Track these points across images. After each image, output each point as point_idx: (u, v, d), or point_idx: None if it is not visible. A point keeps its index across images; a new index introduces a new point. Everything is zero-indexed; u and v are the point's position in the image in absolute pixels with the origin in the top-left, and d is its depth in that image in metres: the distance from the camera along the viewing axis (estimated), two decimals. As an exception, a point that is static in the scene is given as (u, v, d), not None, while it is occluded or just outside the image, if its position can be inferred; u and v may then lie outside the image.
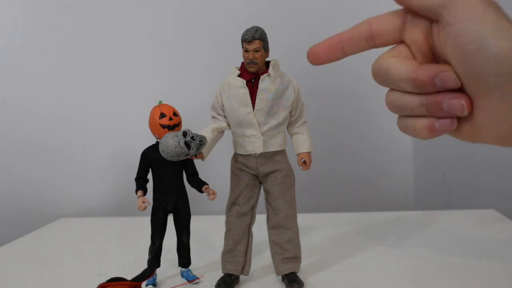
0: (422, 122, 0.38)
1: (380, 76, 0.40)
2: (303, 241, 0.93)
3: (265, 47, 0.83)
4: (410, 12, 0.39)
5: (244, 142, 0.85)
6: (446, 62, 0.37)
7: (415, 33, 0.39)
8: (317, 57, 0.42)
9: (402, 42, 0.40)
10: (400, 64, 0.38)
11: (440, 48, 0.37)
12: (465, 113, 0.35)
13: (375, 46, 0.42)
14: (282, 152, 0.87)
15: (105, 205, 1.49)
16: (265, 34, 0.83)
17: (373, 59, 0.43)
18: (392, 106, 0.40)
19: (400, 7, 0.40)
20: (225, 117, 0.86)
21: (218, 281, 0.86)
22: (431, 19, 0.37)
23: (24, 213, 1.46)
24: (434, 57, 0.39)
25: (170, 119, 0.85)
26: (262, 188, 0.89)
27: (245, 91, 0.83)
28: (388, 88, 0.41)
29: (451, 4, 0.34)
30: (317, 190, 1.47)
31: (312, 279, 0.89)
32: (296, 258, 0.87)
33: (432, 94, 0.36)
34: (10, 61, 1.44)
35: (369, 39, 0.41)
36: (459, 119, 0.37)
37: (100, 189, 1.48)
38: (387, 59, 0.40)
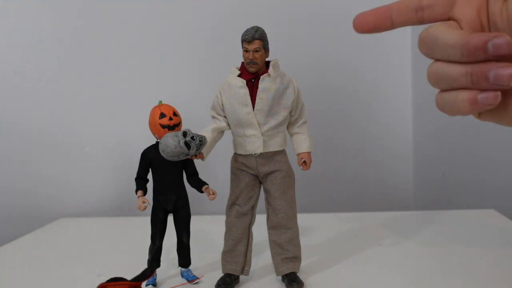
0: (464, 95, 0.36)
1: (428, 43, 0.39)
2: (303, 241, 0.93)
3: (265, 47, 0.83)
4: None
5: (244, 142, 0.85)
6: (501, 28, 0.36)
7: (467, 8, 0.38)
8: (364, 23, 0.40)
9: (450, 18, 0.40)
10: (451, 31, 0.37)
11: (502, 22, 0.36)
12: None
13: (423, 19, 0.41)
14: (282, 152, 0.87)
15: (105, 205, 1.49)
16: (265, 34, 0.83)
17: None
18: (434, 78, 0.39)
19: None
20: (225, 117, 0.86)
21: (218, 281, 0.86)
22: None
23: (24, 213, 1.46)
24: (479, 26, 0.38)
25: (170, 119, 0.85)
26: (262, 188, 0.89)
27: (245, 91, 0.83)
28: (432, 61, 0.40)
29: None
30: (317, 190, 1.47)
31: (312, 279, 0.89)
32: (296, 258, 0.87)
33: (479, 63, 0.35)
34: (10, 60, 1.44)
35: (418, 10, 0.40)
36: (504, 94, 0.35)
37: (100, 189, 1.48)
38: (437, 26, 0.39)
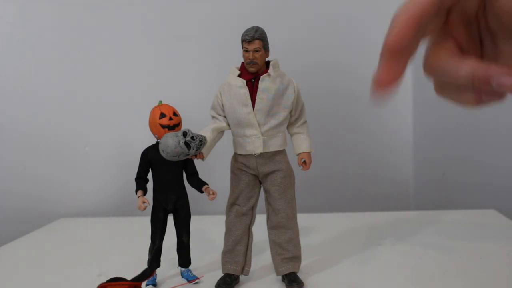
0: (468, 95, 0.36)
1: (434, 75, 0.38)
2: (303, 241, 0.93)
3: (265, 47, 0.83)
4: None
5: (244, 142, 0.85)
6: (490, 33, 0.36)
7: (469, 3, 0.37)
8: (384, 86, 0.37)
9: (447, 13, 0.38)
10: (455, 62, 0.36)
11: (500, 13, 0.35)
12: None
13: (429, 29, 0.38)
14: (282, 152, 0.87)
15: (105, 205, 1.49)
16: (265, 34, 0.83)
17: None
18: (432, 72, 0.38)
19: None
20: (225, 117, 0.86)
21: (218, 281, 0.86)
22: None
23: (24, 213, 1.46)
24: (478, 29, 0.38)
25: (170, 119, 0.85)
26: (262, 188, 0.89)
27: (245, 91, 0.83)
28: (427, 47, 0.39)
29: None
30: (317, 190, 1.47)
31: (312, 279, 0.89)
32: (296, 258, 0.87)
33: (482, 67, 0.34)
34: (10, 60, 1.44)
35: (421, 27, 0.36)
36: None
37: (100, 189, 1.48)
38: (438, 56, 0.38)
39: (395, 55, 0.35)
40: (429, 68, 0.38)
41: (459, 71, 0.36)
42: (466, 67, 0.36)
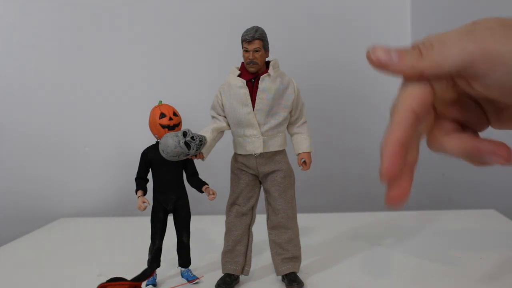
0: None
1: (439, 153, 0.42)
2: (303, 241, 0.93)
3: (265, 47, 0.83)
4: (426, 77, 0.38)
5: (244, 142, 0.85)
6: (484, 98, 0.38)
7: (445, 89, 0.39)
8: (390, 177, 0.38)
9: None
10: (450, 143, 0.40)
11: (476, 93, 0.37)
12: (506, 164, 0.37)
13: (423, 129, 0.41)
14: (282, 152, 0.87)
15: (105, 205, 1.49)
16: (265, 34, 0.83)
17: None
18: (434, 150, 0.42)
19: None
20: (225, 117, 0.86)
21: (218, 281, 0.86)
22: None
23: (24, 213, 1.46)
24: (462, 98, 0.40)
25: (170, 119, 0.85)
26: (262, 188, 0.89)
27: (245, 91, 0.83)
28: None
29: (475, 61, 0.34)
30: (317, 190, 1.47)
31: (312, 279, 0.89)
32: (296, 258, 0.87)
33: (474, 143, 0.38)
34: (10, 60, 1.44)
35: (417, 121, 0.38)
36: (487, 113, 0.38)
37: (100, 189, 1.48)
38: (435, 141, 0.41)
39: (393, 183, 0.38)
40: (432, 149, 0.42)
41: (455, 151, 0.39)
42: (460, 146, 0.39)
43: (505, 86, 0.35)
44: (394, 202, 0.38)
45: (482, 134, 0.42)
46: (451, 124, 0.41)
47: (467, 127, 0.42)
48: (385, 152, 0.37)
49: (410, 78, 0.37)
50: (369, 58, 0.37)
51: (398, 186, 0.38)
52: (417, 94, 0.38)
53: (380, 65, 0.37)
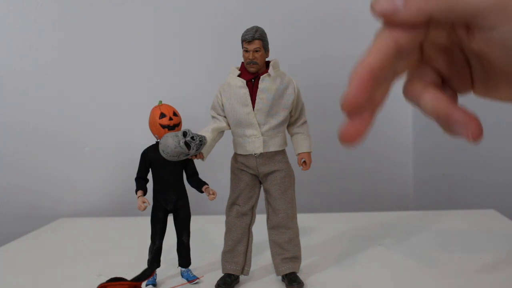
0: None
1: (411, 104, 0.39)
2: (303, 241, 0.93)
3: (265, 47, 0.83)
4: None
5: (244, 142, 0.85)
6: (476, 57, 0.36)
7: (439, 34, 0.37)
8: (351, 107, 0.36)
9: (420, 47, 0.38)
10: (423, 97, 0.37)
11: (473, 45, 0.35)
12: (472, 142, 0.35)
13: (400, 68, 0.38)
14: (282, 152, 0.87)
15: (105, 205, 1.49)
16: (265, 34, 0.83)
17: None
18: (407, 99, 0.39)
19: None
20: (225, 117, 0.86)
21: (218, 281, 0.86)
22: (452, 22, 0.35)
23: (24, 213, 1.46)
24: (453, 48, 0.37)
25: (170, 119, 0.85)
26: (262, 188, 0.89)
27: (245, 91, 0.83)
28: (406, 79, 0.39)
29: (487, 9, 0.32)
30: (317, 190, 1.47)
31: (312, 279, 0.89)
32: (296, 258, 0.87)
33: (449, 106, 0.35)
34: (10, 60, 1.44)
35: (397, 55, 0.36)
36: (492, 76, 0.36)
37: (100, 189, 1.48)
38: (413, 89, 0.38)
39: (353, 115, 0.36)
40: (406, 97, 0.39)
41: (426, 107, 0.36)
42: (431, 103, 0.36)
43: (508, 45, 0.33)
44: (348, 139, 0.36)
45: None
46: (433, 75, 0.38)
47: (448, 85, 0.39)
48: (353, 77, 0.35)
49: (418, 25, 0.35)
50: (372, 9, 0.35)
51: (356, 121, 0.36)
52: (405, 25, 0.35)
53: (386, 15, 0.35)
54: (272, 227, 0.88)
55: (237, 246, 0.87)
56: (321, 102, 1.44)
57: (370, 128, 0.37)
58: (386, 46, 0.35)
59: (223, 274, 0.87)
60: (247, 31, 0.82)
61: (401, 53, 0.36)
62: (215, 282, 0.86)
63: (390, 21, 0.35)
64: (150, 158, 0.87)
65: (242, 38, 0.82)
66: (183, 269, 0.91)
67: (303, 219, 0.97)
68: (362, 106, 0.35)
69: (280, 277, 0.88)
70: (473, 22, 0.34)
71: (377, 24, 0.38)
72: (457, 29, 0.36)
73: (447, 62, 0.38)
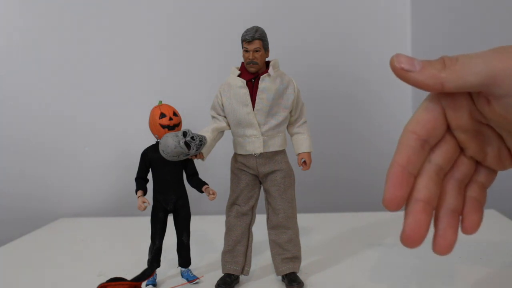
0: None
1: None
2: (303, 241, 0.93)
3: (265, 47, 0.83)
4: (443, 97, 0.38)
5: (244, 142, 0.85)
6: (506, 130, 0.37)
7: (459, 115, 0.38)
8: (394, 205, 0.38)
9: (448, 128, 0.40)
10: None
11: (495, 116, 0.36)
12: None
13: (430, 148, 0.41)
14: (282, 152, 0.87)
15: (105, 205, 1.49)
16: (265, 34, 0.83)
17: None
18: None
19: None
20: (225, 117, 0.86)
21: (218, 281, 0.86)
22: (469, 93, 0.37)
23: (24, 213, 1.47)
24: (481, 128, 0.39)
25: (170, 119, 0.85)
26: (262, 188, 0.89)
27: (245, 91, 0.83)
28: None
29: (498, 78, 0.34)
30: (317, 190, 1.47)
31: (312, 279, 0.89)
32: (296, 258, 0.87)
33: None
34: (10, 60, 1.44)
35: (424, 146, 0.39)
36: (483, 143, 0.39)
37: (100, 189, 1.48)
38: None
39: (408, 214, 0.38)
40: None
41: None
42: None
43: None
44: (409, 242, 0.39)
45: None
46: (468, 167, 0.41)
47: (483, 166, 0.42)
48: (387, 177, 0.37)
49: (431, 90, 0.37)
50: (392, 65, 0.37)
51: (414, 221, 0.38)
52: (421, 117, 0.38)
53: (402, 73, 0.37)
54: (272, 227, 0.88)
55: (237, 246, 0.87)
56: (322, 107, 1.44)
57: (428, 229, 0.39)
58: (406, 140, 0.39)
59: (223, 274, 0.87)
60: (247, 31, 0.82)
61: (426, 143, 0.38)
62: (215, 282, 0.86)
63: (403, 78, 0.37)
64: (150, 158, 0.87)
65: (242, 38, 0.82)
66: (183, 269, 0.91)
67: (303, 219, 0.97)
68: (403, 200, 0.37)
69: (280, 277, 0.88)
70: (489, 91, 0.34)
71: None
72: (478, 103, 0.37)
73: (480, 143, 0.40)
